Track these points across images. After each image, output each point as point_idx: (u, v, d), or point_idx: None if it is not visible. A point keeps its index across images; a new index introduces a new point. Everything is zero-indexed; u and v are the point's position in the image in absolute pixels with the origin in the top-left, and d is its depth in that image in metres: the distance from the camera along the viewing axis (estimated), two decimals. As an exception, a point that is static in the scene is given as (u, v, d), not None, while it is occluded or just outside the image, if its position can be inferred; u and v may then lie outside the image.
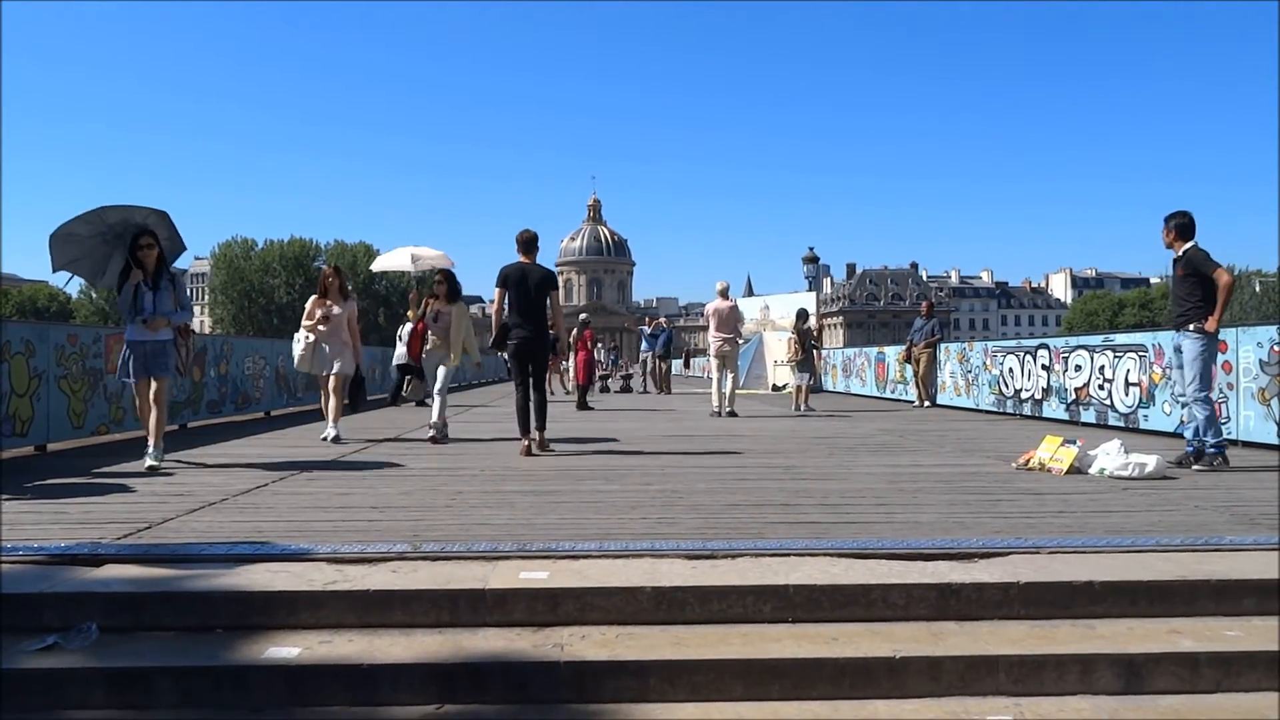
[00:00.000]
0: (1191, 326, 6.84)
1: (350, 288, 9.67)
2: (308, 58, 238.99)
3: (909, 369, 16.46)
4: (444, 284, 9.41)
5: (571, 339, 18.63)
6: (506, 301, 8.05)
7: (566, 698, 3.07)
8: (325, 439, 8.97)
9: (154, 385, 6.97)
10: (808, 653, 3.22)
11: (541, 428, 8.13)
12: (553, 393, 21.48)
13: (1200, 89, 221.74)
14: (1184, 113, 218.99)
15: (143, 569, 3.79)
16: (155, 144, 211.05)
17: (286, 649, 3.22)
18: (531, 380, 8.15)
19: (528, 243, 8.14)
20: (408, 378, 9.70)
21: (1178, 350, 7.02)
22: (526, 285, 7.98)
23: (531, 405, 8.12)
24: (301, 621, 3.42)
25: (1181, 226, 7.03)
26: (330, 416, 9.17)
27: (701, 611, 3.49)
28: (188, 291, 7.63)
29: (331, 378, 9.12)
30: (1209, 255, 6.90)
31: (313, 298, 9.32)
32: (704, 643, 3.29)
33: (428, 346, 9.25)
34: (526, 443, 7.97)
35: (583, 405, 15.40)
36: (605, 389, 23.82)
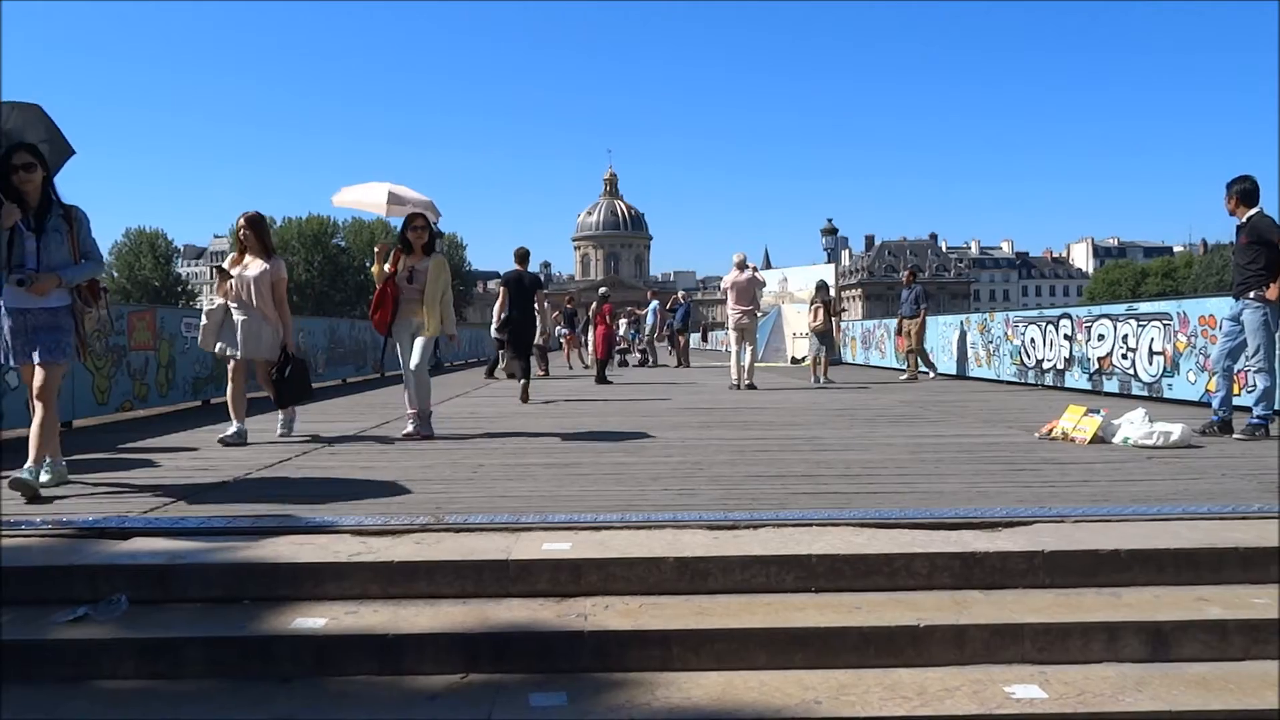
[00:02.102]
0: (1252, 294, 6.67)
1: (272, 243, 7.26)
2: (324, 34, 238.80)
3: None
4: (424, 232, 7.49)
5: (590, 313, 18.87)
6: (508, 299, 11.11)
7: (590, 667, 3.09)
8: (224, 438, 6.83)
9: (39, 374, 4.70)
10: (831, 622, 3.22)
11: (526, 384, 11.00)
12: (571, 367, 21.70)
13: (1216, 60, 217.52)
14: (1203, 83, 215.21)
15: (170, 541, 3.83)
16: (171, 121, 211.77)
17: (313, 620, 3.25)
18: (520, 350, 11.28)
19: (522, 257, 11.38)
20: (500, 351, 10.08)
21: (1234, 319, 6.87)
22: (520, 286, 11.09)
23: (519, 367, 11.17)
24: (327, 592, 3.45)
25: (1244, 192, 6.84)
26: (231, 409, 6.95)
27: (724, 581, 3.50)
28: (94, 235, 5.03)
29: (234, 362, 6.94)
30: (1275, 221, 6.69)
31: (230, 255, 7.21)
32: (727, 612, 3.30)
33: (400, 312, 7.41)
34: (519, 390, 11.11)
35: (601, 379, 15.39)
36: (624, 363, 23.83)
